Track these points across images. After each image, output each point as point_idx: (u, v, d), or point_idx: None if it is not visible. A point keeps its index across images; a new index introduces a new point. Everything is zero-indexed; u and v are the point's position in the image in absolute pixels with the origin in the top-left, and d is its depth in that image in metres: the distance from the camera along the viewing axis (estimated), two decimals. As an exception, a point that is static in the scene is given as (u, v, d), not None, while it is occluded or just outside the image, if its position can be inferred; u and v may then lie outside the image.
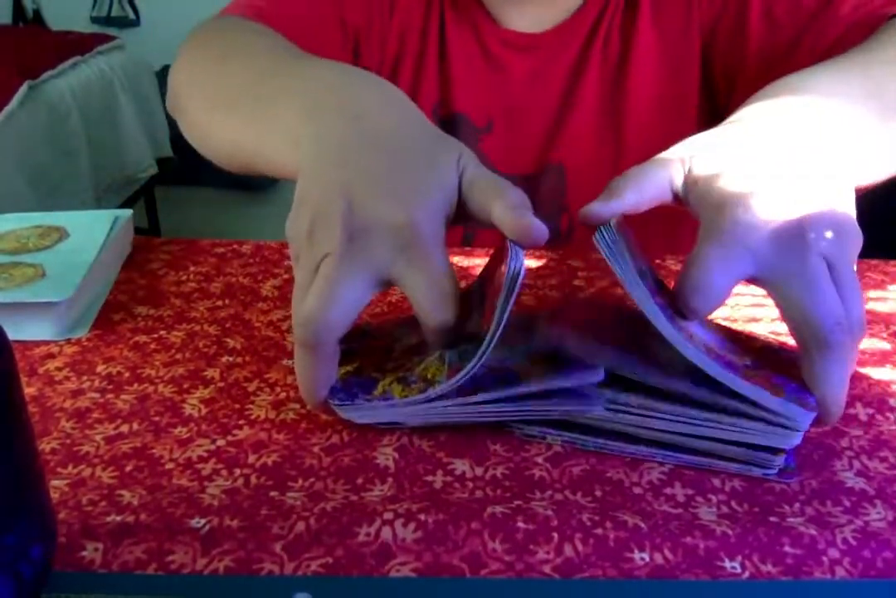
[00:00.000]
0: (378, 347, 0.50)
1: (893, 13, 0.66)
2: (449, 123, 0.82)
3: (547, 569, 0.38)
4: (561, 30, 0.80)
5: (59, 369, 0.53)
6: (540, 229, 0.43)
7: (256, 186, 3.00)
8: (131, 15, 3.05)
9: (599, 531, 0.40)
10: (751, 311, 0.61)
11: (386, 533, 0.40)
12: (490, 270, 0.50)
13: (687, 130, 0.83)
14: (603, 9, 0.78)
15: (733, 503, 0.42)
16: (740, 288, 0.64)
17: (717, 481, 0.43)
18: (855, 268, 0.42)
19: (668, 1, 0.77)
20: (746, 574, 0.38)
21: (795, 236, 0.40)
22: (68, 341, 0.56)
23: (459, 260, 0.68)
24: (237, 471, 0.44)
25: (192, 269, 0.67)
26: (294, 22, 0.71)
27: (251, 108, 0.55)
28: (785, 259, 0.41)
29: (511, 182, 0.44)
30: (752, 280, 0.43)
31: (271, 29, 0.68)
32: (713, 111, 0.79)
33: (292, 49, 0.63)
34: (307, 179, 0.45)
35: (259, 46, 0.63)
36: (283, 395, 0.50)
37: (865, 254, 0.77)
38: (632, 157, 0.78)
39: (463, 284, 0.64)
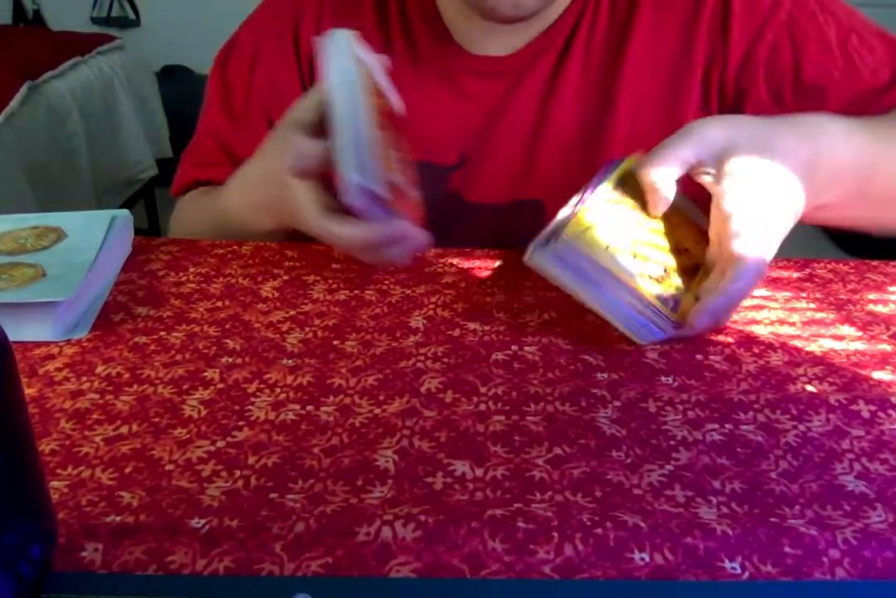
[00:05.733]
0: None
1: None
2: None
3: (547, 569, 0.38)
4: (529, 50, 0.75)
5: (58, 369, 0.53)
6: None
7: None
8: (131, 15, 3.04)
9: (599, 531, 0.40)
10: (751, 313, 0.61)
11: (386, 533, 0.40)
12: None
13: None
14: (577, 24, 0.74)
15: (734, 504, 0.42)
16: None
17: (717, 484, 0.43)
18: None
19: (666, 23, 0.73)
20: (746, 575, 0.38)
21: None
22: (68, 341, 0.56)
23: (459, 261, 0.68)
24: (237, 472, 0.44)
25: (191, 270, 0.67)
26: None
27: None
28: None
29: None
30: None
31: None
32: None
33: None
34: None
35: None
36: (282, 396, 0.50)
37: (866, 255, 0.77)
38: None
39: (463, 285, 0.64)
